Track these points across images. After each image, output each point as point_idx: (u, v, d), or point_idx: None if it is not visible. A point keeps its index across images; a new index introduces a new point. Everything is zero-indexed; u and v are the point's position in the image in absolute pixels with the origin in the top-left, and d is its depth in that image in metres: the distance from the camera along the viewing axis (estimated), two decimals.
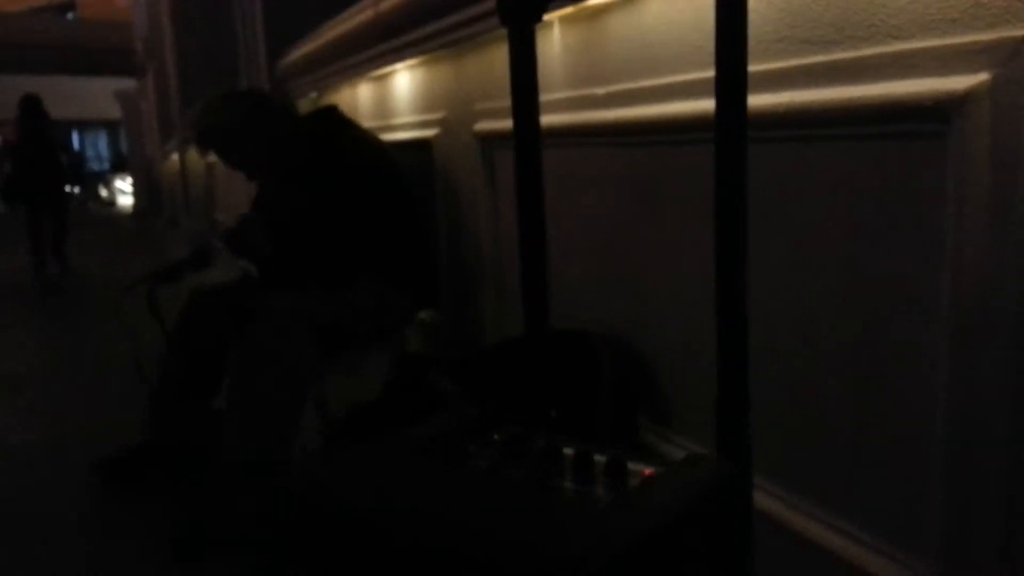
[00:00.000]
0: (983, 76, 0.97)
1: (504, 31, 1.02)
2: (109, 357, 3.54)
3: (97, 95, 20.84)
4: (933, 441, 1.07)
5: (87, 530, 2.04)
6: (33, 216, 6.91)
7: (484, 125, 2.20)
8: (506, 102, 2.03)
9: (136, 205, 14.98)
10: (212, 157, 2.42)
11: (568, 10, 1.72)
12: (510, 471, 0.82)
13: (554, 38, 1.85)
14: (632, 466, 0.81)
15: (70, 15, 30.78)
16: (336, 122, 2.35)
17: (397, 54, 2.64)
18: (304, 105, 3.84)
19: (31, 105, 6.82)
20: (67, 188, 7.39)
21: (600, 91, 1.71)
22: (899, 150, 1.10)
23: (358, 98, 3.29)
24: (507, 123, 2.02)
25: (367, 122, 3.11)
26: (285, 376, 1.92)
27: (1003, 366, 0.98)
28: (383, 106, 3.03)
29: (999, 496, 1.00)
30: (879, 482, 1.18)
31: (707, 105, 1.38)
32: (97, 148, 27.79)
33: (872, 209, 1.14)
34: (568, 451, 0.85)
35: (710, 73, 1.39)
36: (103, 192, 20.89)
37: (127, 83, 16.45)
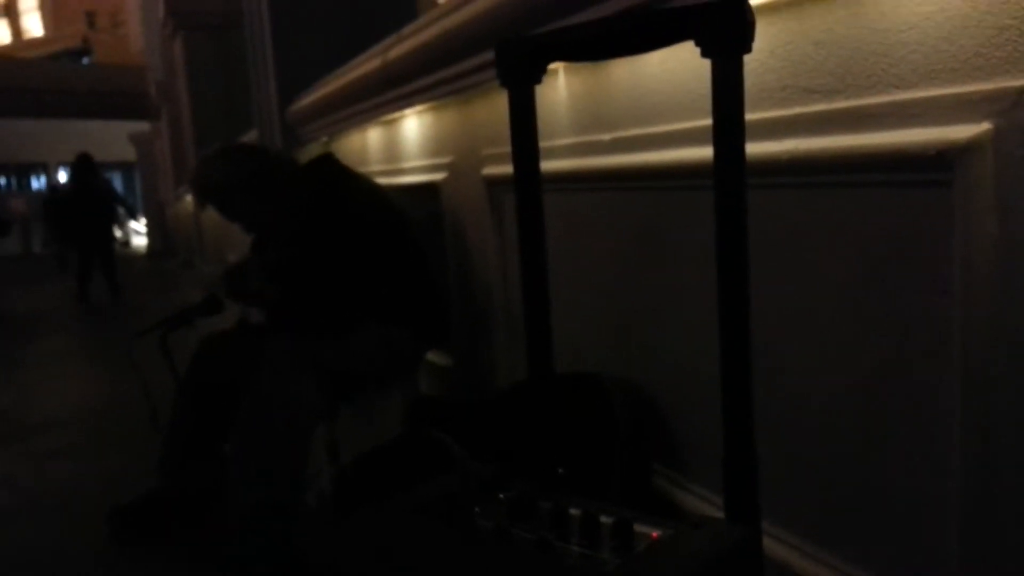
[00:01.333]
0: (985, 126, 0.98)
1: None
2: (124, 402, 3.55)
3: (112, 138, 21.15)
4: (949, 490, 1.06)
5: None
6: (83, 258, 8.27)
7: (491, 169, 2.22)
8: None
9: (150, 246, 15.14)
10: (211, 210, 2.45)
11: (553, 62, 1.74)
12: (516, 533, 0.81)
13: (559, 85, 1.87)
14: (639, 528, 0.80)
15: (85, 60, 31.39)
16: (333, 171, 2.36)
17: (405, 100, 2.67)
18: (315, 149, 3.88)
19: (84, 161, 8.34)
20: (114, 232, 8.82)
21: (606, 137, 1.72)
22: (904, 198, 1.10)
23: (367, 142, 3.32)
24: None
25: (376, 166, 3.14)
26: (288, 420, 1.92)
27: (1017, 411, 0.97)
28: (392, 150, 3.06)
29: (1018, 547, 0.98)
30: (895, 534, 1.16)
31: (710, 152, 1.40)
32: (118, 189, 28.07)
33: (879, 256, 1.14)
34: (575, 512, 0.84)
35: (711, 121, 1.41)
36: (118, 233, 21.14)
37: (142, 126, 16.71)
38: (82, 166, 8.39)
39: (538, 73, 1.01)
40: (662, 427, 1.66)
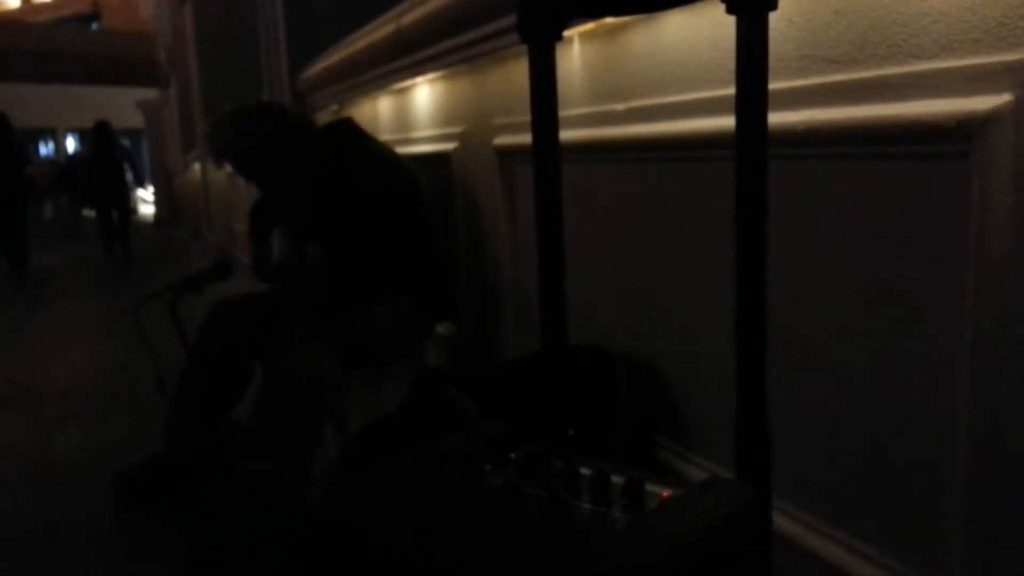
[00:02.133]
0: (1006, 97, 0.97)
1: (524, 46, 1.02)
2: (131, 367, 3.57)
3: (120, 105, 21.14)
4: (956, 462, 1.06)
5: (103, 545, 2.05)
6: (103, 216, 9.09)
7: (503, 139, 2.21)
8: (526, 116, 2.02)
9: (157, 214, 15.14)
10: (229, 168, 2.44)
11: (588, 27, 1.73)
12: (527, 490, 0.82)
13: (574, 54, 1.85)
14: (650, 487, 0.81)
15: (94, 25, 31.24)
16: (350, 135, 2.34)
17: (417, 68, 2.65)
18: (325, 117, 3.86)
19: (103, 128, 9.00)
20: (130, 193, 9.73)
21: (620, 107, 1.71)
22: (922, 169, 1.10)
23: (378, 111, 3.31)
24: (526, 137, 2.01)
25: (387, 135, 3.13)
26: (308, 399, 1.93)
27: None
28: (403, 119, 3.05)
29: (1022, 521, 0.99)
30: (901, 504, 1.16)
31: (726, 122, 1.38)
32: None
33: (895, 228, 1.14)
34: (585, 471, 0.85)
35: (729, 91, 1.40)
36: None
37: (150, 93, 16.64)
38: (101, 133, 8.96)
39: (559, 28, 1.00)
40: (668, 399, 1.66)
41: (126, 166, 9.24)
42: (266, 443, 1.92)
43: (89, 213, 10.01)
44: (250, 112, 2.33)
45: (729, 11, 0.82)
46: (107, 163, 8.93)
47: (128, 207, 9.34)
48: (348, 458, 2.12)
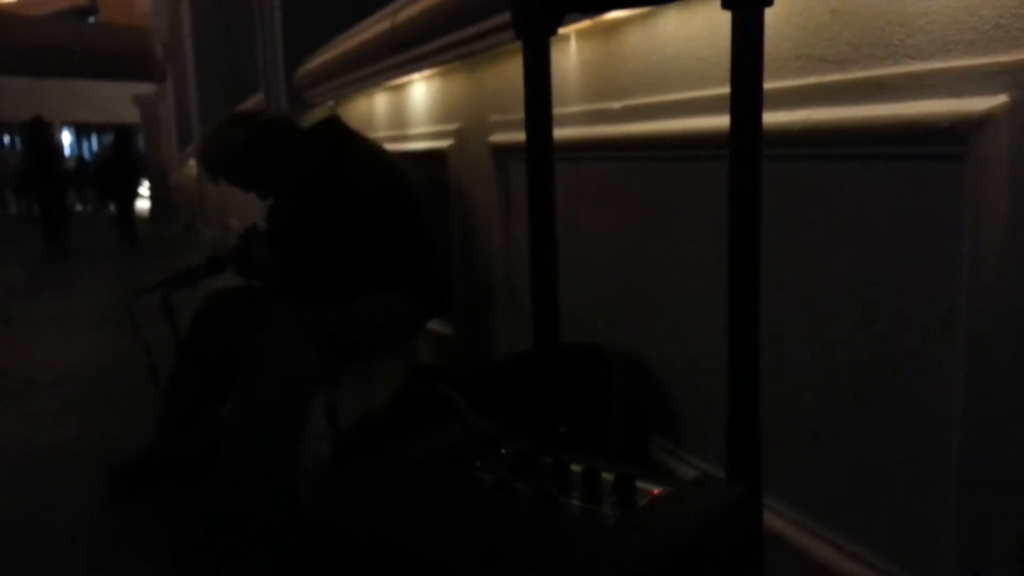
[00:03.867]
0: (1002, 98, 0.96)
1: (520, 43, 1.02)
2: (125, 360, 3.56)
3: (114, 99, 21.05)
4: (949, 462, 1.06)
5: (93, 537, 2.05)
6: (123, 211, 10.85)
7: (499, 137, 2.20)
8: (521, 114, 2.03)
9: (152, 210, 15.09)
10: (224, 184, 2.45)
11: (585, 24, 1.72)
12: (518, 486, 0.82)
13: (570, 51, 1.85)
14: (641, 484, 0.80)
15: (91, 19, 31.14)
16: (338, 133, 2.35)
17: (413, 65, 2.65)
18: (321, 113, 3.86)
19: (123, 133, 11.42)
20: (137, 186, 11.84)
21: (616, 105, 1.71)
22: (916, 170, 1.10)
23: (374, 108, 3.30)
24: (522, 135, 2.03)
25: (382, 132, 3.12)
26: (288, 384, 1.92)
27: (1020, 385, 0.96)
28: (398, 116, 3.04)
29: (1016, 520, 0.99)
30: (893, 504, 1.16)
31: (722, 121, 1.38)
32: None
33: (888, 227, 1.14)
34: (576, 468, 0.84)
35: (725, 90, 1.40)
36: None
37: (146, 88, 16.59)
38: (123, 136, 11.41)
39: (554, 25, 1.00)
40: (661, 399, 1.66)
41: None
42: (245, 436, 1.91)
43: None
44: (230, 123, 2.36)
45: (724, 6, 0.81)
46: (125, 163, 10.91)
47: (133, 202, 11.10)
48: (341, 452, 2.12)
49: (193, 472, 2.28)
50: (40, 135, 9.82)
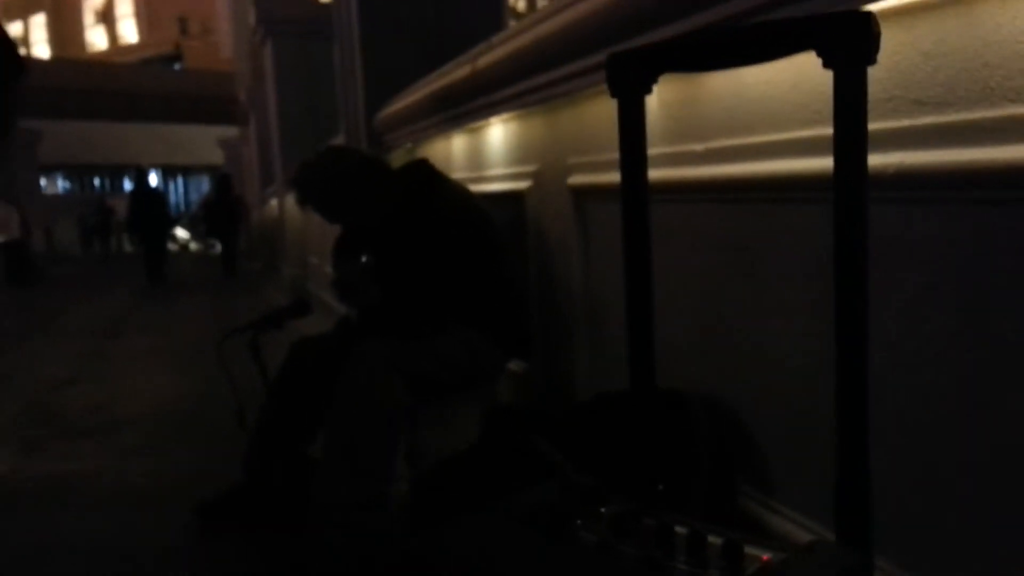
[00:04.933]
0: None
1: (600, 86, 1.03)
2: (213, 400, 3.67)
3: (200, 142, 21.91)
4: None
5: None
6: (227, 246, 12.71)
7: (578, 179, 2.21)
8: (600, 156, 2.04)
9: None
10: (312, 212, 2.53)
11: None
12: (621, 549, 0.81)
13: (652, 95, 1.85)
14: (749, 550, 0.79)
15: (177, 65, 32.62)
16: (427, 175, 2.42)
17: (492, 109, 2.69)
18: (400, 155, 3.94)
19: (224, 180, 13.33)
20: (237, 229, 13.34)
21: (698, 147, 1.70)
22: (1017, 216, 1.06)
23: (452, 150, 3.36)
24: (601, 177, 2.04)
25: (460, 173, 3.17)
26: (377, 420, 1.97)
27: None
28: (476, 158, 3.08)
29: None
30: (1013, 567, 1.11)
31: (808, 164, 1.37)
32: (200, 191, 29.18)
33: (992, 273, 1.10)
34: (681, 530, 0.83)
35: (811, 132, 1.38)
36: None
37: (230, 131, 17.26)
38: (223, 180, 13.38)
39: (650, 83, 1.00)
40: (750, 446, 1.63)
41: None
42: (336, 467, 1.95)
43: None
44: (330, 156, 2.44)
45: (826, 66, 0.81)
46: (226, 204, 12.63)
47: (235, 242, 13.04)
48: (420, 494, 2.13)
49: (280, 511, 2.32)
50: (142, 182, 12.46)
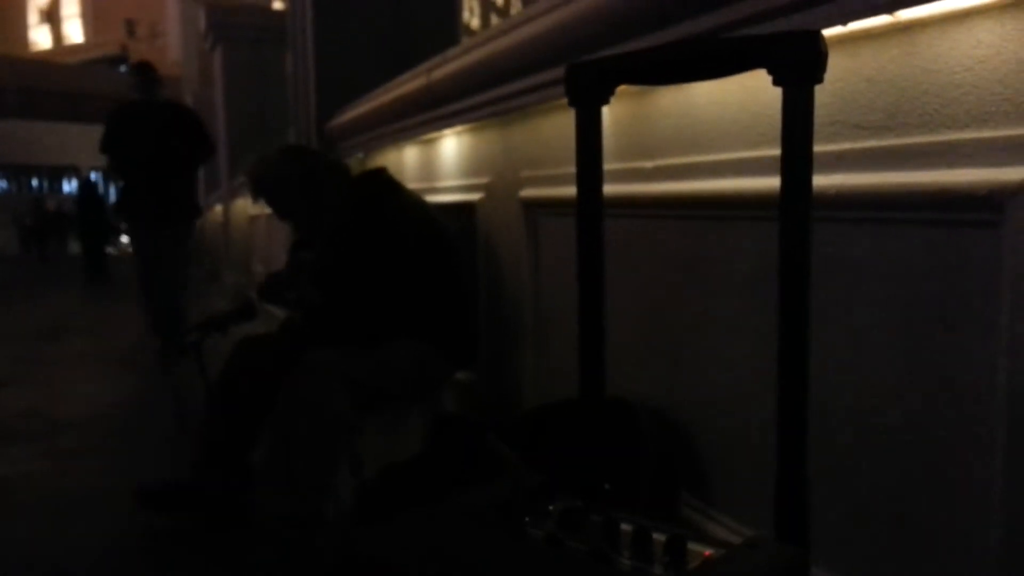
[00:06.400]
0: None
1: (554, 102, 1.05)
2: (152, 404, 3.59)
3: None
4: (988, 529, 1.06)
5: None
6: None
7: (529, 192, 2.24)
8: (552, 170, 2.06)
9: None
10: (263, 205, 2.51)
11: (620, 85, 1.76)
12: (568, 543, 0.83)
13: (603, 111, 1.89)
14: (692, 545, 0.81)
15: (122, 67, 31.93)
16: (384, 183, 2.42)
17: (445, 121, 2.71)
18: (351, 165, 3.93)
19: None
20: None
21: (648, 164, 1.75)
22: (952, 237, 1.11)
23: (404, 160, 3.37)
24: (553, 191, 2.07)
25: (412, 184, 3.17)
26: (319, 434, 1.95)
27: None
28: (428, 169, 3.10)
29: None
30: (935, 568, 1.16)
31: (754, 183, 1.42)
32: None
33: (925, 294, 1.15)
34: (626, 526, 0.85)
35: (758, 152, 1.42)
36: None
37: None
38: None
39: (607, 95, 1.03)
40: (693, 456, 1.66)
41: None
42: (277, 481, 1.93)
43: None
44: (291, 152, 2.43)
45: (776, 83, 0.85)
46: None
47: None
48: (366, 502, 2.12)
49: (222, 518, 2.29)
50: (89, 187, 13.48)
